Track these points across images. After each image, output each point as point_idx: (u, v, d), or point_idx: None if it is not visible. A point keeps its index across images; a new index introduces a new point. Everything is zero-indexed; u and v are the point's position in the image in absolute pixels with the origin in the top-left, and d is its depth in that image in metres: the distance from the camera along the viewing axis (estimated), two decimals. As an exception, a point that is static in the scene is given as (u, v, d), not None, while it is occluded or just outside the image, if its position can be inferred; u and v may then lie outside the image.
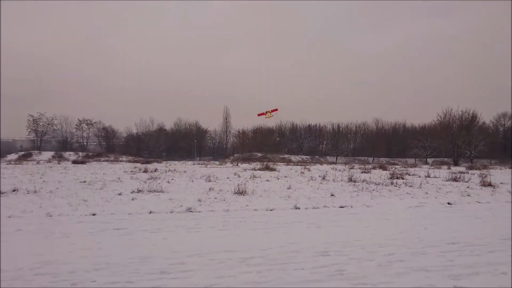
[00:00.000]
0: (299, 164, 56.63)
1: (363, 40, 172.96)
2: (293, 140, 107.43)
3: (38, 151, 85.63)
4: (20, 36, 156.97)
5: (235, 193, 15.18)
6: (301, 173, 29.35)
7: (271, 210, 11.91)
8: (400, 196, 15.53)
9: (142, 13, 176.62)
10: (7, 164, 41.89)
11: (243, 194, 14.98)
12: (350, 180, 21.47)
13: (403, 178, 23.62)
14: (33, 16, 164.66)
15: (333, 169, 37.08)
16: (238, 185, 16.12)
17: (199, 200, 13.28)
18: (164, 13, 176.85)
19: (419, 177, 25.74)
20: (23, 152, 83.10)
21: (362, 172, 30.19)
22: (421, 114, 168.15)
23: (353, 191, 16.82)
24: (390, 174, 26.61)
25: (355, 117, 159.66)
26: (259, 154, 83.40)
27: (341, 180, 21.88)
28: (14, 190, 15.23)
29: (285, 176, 25.46)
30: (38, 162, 50.04)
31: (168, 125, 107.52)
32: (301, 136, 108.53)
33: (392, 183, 20.30)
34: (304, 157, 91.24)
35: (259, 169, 33.16)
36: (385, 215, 11.39)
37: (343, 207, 12.76)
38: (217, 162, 57.41)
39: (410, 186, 19.09)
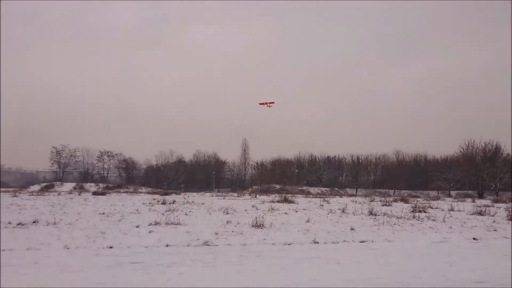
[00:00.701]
0: (318, 196, 55.95)
1: (379, 72, 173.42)
2: (312, 172, 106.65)
3: (60, 183, 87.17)
4: (44, 70, 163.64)
5: (253, 226, 14.97)
6: (320, 205, 28.93)
7: (289, 244, 11.65)
8: (422, 231, 15.04)
9: (165, 49, 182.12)
10: (29, 195, 42.62)
11: (261, 227, 14.76)
12: (371, 213, 21.02)
13: (425, 212, 22.98)
14: (58, 50, 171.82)
15: (353, 201, 36.45)
16: (256, 218, 15.90)
17: (216, 233, 13.11)
18: (185, 49, 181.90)
19: (442, 210, 25.04)
20: (45, 183, 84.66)
21: (383, 205, 29.59)
22: (442, 146, 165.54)
23: (374, 225, 16.41)
24: (412, 207, 25.93)
25: (374, 149, 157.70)
26: (278, 186, 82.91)
27: (361, 213, 21.44)
28: (34, 222, 15.38)
29: (303, 209, 25.11)
30: (59, 194, 50.80)
31: (187, 157, 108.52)
32: (320, 168, 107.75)
33: (414, 217, 19.75)
34: (323, 189, 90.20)
35: (278, 201, 32.86)
36: (408, 250, 10.99)
37: (363, 241, 12.39)
38: (235, 194, 57.23)
39: (433, 220, 18.53)
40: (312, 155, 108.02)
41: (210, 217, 19.14)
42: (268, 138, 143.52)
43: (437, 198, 54.12)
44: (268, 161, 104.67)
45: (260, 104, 36.85)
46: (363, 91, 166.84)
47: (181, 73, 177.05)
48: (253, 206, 26.80)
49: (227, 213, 21.04)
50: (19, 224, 14.72)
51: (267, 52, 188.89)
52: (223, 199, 40.17)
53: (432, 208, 26.79)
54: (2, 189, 66.95)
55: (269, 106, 37.22)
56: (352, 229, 14.95)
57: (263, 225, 15.03)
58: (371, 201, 36.58)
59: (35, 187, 77.67)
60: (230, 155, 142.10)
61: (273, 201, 33.14)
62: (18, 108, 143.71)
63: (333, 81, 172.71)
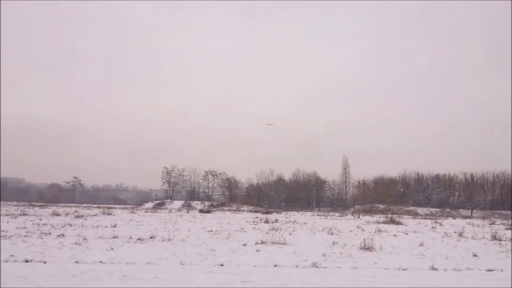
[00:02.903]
0: (428, 217, 51.94)
1: (491, 79, 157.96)
2: (419, 191, 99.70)
3: (170, 200, 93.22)
4: (155, 100, 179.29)
5: (361, 249, 14.32)
6: (432, 228, 26.81)
7: (403, 269, 10.84)
8: None
9: (263, 72, 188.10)
10: (144, 212, 46.30)
11: (370, 250, 14.04)
12: (494, 238, 18.84)
13: None
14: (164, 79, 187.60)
15: (469, 224, 33.13)
16: (364, 239, 15.17)
17: (324, 255, 12.76)
18: (281, 71, 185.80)
19: None
20: (157, 201, 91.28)
21: (506, 229, 26.42)
22: None
23: (501, 251, 14.66)
24: (544, 232, 22.71)
25: (491, 166, 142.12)
26: (381, 206, 78.99)
27: (483, 238, 19.34)
28: (151, 237, 16.53)
29: (414, 231, 23.47)
30: (170, 211, 54.27)
31: (287, 175, 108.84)
32: (428, 187, 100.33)
33: (550, 244, 17.21)
34: (432, 209, 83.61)
35: (383, 222, 31.18)
36: (549, 283, 9.51)
37: (490, 270, 11.05)
38: (337, 214, 55.80)
39: None
40: (418, 173, 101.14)
41: (314, 237, 18.82)
42: (369, 155, 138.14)
43: None
44: (371, 179, 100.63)
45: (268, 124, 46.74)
46: (473, 103, 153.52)
47: (278, 94, 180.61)
48: (358, 227, 25.78)
49: (332, 233, 20.49)
50: (138, 239, 15.93)
51: (365, 70, 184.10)
52: (325, 218, 39.38)
53: None
54: (122, 206, 74.04)
55: (269, 125, 48.07)
56: (474, 255, 13.48)
57: (372, 247, 14.28)
58: (491, 224, 32.92)
59: (149, 205, 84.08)
60: (330, 173, 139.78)
61: (378, 222, 31.56)
62: (134, 132, 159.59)
63: (436, 95, 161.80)
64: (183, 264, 10.79)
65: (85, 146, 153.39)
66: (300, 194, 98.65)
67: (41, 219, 25.72)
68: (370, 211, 69.62)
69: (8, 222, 23.15)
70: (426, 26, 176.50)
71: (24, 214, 30.84)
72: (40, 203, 65.58)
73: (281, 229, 22.71)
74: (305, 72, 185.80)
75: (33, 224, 21.95)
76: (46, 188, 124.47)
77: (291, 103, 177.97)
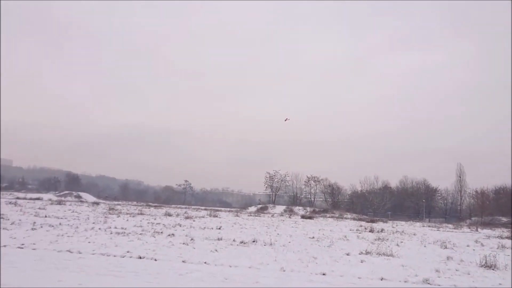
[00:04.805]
0: None
1: None
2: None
3: (272, 205, 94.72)
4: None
5: (481, 266, 12.78)
6: None
7: (536, 294, 9.36)
8: None
9: (367, 77, 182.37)
10: (248, 215, 47.52)
11: (493, 269, 12.45)
12: None
13: None
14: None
15: None
16: (485, 256, 13.53)
17: (437, 271, 11.61)
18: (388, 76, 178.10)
19: None
20: (260, 205, 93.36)
21: None
22: None
23: None
24: None
25: None
26: (504, 219, 70.67)
27: None
28: (253, 241, 16.75)
29: (547, 250, 20.38)
30: (272, 215, 54.98)
31: (393, 182, 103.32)
32: None
33: None
34: None
35: (507, 238, 27.68)
36: None
37: None
38: (450, 226, 51.29)
39: None
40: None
41: (425, 250, 17.40)
42: (488, 162, 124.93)
43: None
44: (490, 189, 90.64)
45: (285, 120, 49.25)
46: None
47: (385, 101, 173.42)
48: (476, 241, 23.25)
49: (445, 247, 18.74)
50: (241, 242, 16.25)
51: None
52: (437, 230, 36.34)
53: None
54: (227, 208, 77.16)
55: (286, 120, 50.35)
56: None
57: (495, 266, 12.65)
58: None
59: (252, 208, 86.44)
60: (442, 181, 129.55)
61: (501, 237, 28.13)
62: (239, 139, 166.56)
63: None
64: (284, 271, 10.65)
65: (195, 152, 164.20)
66: (408, 203, 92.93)
67: (155, 219, 27.81)
68: (490, 224, 62.70)
69: (127, 220, 25.45)
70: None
71: (141, 214, 33.68)
72: (155, 204, 71.42)
73: (387, 239, 21.46)
74: (410, 75, 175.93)
75: (148, 223, 23.79)
76: (161, 190, 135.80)
77: (398, 107, 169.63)
